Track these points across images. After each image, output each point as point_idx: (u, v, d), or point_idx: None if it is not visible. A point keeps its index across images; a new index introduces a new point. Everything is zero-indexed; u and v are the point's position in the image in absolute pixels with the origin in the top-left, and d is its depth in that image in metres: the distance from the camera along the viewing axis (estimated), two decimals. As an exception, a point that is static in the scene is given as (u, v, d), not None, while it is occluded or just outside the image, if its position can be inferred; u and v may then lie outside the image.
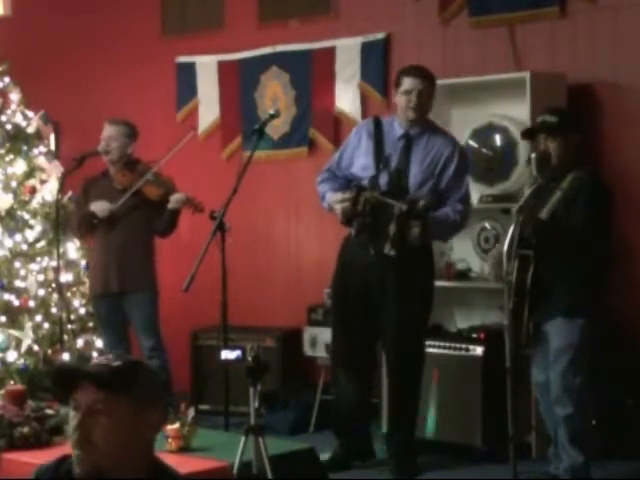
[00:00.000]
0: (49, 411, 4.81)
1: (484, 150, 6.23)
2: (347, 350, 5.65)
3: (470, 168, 5.70)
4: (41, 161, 6.65)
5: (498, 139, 6.17)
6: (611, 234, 5.14)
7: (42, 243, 6.43)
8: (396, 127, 5.53)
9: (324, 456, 5.39)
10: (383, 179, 5.43)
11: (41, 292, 6.29)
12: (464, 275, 6.42)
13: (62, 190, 6.27)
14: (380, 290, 5.46)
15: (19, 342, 6.13)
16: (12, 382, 5.88)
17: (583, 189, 4.99)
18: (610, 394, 5.66)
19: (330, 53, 7.07)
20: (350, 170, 5.57)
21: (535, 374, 5.22)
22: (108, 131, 6.32)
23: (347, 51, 7.00)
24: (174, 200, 6.17)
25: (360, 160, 5.52)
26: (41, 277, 6.33)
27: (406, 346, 5.50)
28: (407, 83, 5.45)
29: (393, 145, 5.49)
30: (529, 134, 5.30)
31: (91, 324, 6.52)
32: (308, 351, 6.67)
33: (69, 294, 6.46)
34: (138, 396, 2.34)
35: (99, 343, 6.45)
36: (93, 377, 2.33)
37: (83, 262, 6.60)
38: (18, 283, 6.26)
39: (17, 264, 6.29)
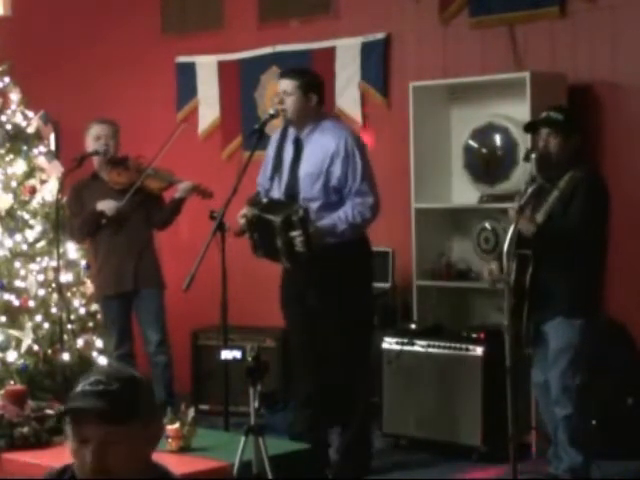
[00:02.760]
0: (49, 411, 4.82)
1: (484, 150, 6.23)
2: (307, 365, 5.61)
3: (364, 158, 5.32)
4: (41, 161, 6.63)
5: (498, 139, 6.17)
6: (608, 233, 5.13)
7: (42, 243, 6.41)
8: (293, 133, 5.49)
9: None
10: (277, 187, 5.46)
11: (41, 292, 6.27)
12: (464, 275, 6.42)
13: (62, 190, 6.25)
14: (304, 301, 5.47)
15: (19, 342, 6.11)
16: (12, 382, 5.87)
17: (580, 188, 4.99)
18: (610, 394, 5.66)
19: (330, 53, 7.07)
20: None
21: (535, 374, 5.22)
22: (104, 130, 6.32)
23: (347, 51, 7.00)
24: (182, 189, 6.19)
25: (268, 170, 5.56)
26: (41, 277, 6.31)
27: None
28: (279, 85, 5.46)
29: (288, 151, 5.48)
30: (532, 127, 5.31)
31: (91, 324, 6.51)
32: (308, 351, 6.66)
33: (69, 294, 6.45)
34: (145, 415, 2.30)
35: (99, 343, 6.44)
36: (100, 415, 2.25)
37: (83, 262, 6.57)
38: (18, 283, 6.24)
39: (17, 264, 6.28)
